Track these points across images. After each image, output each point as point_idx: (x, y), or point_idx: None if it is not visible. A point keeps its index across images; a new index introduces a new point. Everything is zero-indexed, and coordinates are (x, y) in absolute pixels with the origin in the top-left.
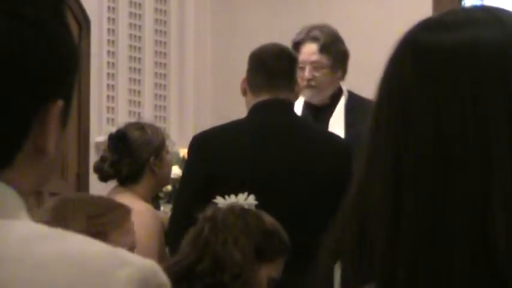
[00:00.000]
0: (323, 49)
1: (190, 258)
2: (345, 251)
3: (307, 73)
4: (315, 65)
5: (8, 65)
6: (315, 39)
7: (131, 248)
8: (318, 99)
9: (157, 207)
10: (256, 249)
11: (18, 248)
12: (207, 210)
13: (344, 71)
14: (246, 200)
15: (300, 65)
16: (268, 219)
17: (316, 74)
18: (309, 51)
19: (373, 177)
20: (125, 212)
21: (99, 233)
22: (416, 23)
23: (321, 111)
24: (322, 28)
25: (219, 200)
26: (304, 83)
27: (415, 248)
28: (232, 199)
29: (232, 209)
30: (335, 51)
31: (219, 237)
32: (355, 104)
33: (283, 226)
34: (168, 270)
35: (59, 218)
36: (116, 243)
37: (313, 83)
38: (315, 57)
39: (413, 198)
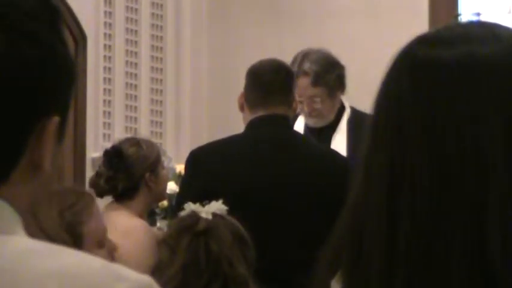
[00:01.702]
0: (316, 82)
1: (202, 282)
2: (343, 264)
3: (306, 107)
4: (312, 98)
5: (5, 80)
6: (305, 73)
7: (103, 235)
8: (322, 124)
9: (153, 223)
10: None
11: (15, 263)
12: (194, 222)
13: (342, 89)
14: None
15: (299, 99)
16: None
17: (315, 106)
18: (303, 86)
19: (370, 193)
20: (91, 197)
21: (74, 223)
22: (414, 38)
23: (323, 129)
24: (312, 56)
25: (191, 206)
26: (306, 113)
27: (411, 264)
28: (199, 207)
29: (225, 221)
30: (328, 80)
31: (224, 257)
32: (358, 120)
33: (280, 239)
34: None
35: (30, 216)
36: (91, 232)
37: (314, 113)
38: (309, 91)
39: (410, 214)
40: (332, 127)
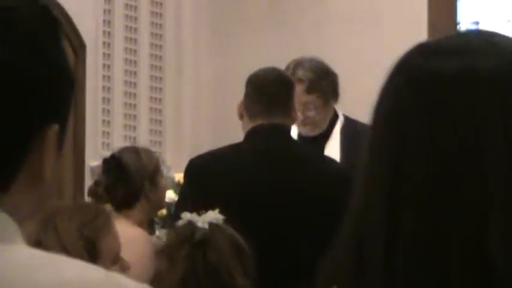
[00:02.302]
0: (310, 89)
1: None
2: (342, 275)
3: (300, 114)
4: (306, 106)
5: (4, 90)
6: (300, 80)
7: (118, 252)
8: (315, 133)
9: (152, 232)
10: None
11: (16, 274)
12: (191, 232)
13: (336, 97)
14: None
15: None
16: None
17: (309, 114)
18: (297, 93)
19: (370, 203)
20: (108, 215)
21: (93, 238)
22: (412, 48)
23: (316, 138)
24: (306, 64)
25: (187, 216)
26: (300, 121)
27: (411, 261)
28: (195, 216)
29: (222, 230)
30: (323, 87)
31: (222, 267)
32: (351, 128)
33: (278, 249)
34: None
35: (50, 229)
36: (108, 248)
37: (307, 121)
38: (304, 98)
39: (412, 222)
40: (325, 136)
